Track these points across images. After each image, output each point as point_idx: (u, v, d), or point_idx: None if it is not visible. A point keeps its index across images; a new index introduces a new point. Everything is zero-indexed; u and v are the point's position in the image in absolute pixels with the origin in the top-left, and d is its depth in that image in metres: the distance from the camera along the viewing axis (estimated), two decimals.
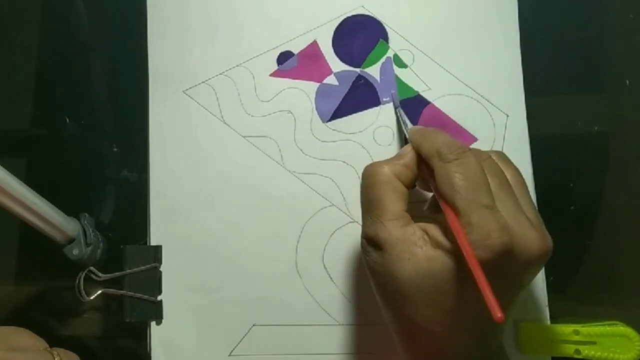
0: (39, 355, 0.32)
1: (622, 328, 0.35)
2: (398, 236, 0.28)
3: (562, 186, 0.38)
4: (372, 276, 0.30)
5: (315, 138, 0.39)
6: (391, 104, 0.39)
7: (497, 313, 0.24)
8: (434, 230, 0.28)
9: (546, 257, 0.28)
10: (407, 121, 0.37)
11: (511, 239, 0.26)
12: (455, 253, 0.26)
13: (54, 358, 0.32)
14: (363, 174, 0.31)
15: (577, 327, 0.35)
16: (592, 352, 0.35)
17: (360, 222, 0.37)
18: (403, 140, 0.38)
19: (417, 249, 0.27)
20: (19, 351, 0.31)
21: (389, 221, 0.28)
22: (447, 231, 0.27)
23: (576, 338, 0.35)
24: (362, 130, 0.39)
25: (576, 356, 0.35)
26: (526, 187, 0.30)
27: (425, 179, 0.31)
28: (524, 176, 0.31)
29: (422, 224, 0.29)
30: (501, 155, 0.31)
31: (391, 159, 0.31)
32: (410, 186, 0.31)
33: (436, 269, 0.27)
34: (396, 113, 0.38)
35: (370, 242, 0.29)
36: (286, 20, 0.40)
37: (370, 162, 0.37)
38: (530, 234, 0.27)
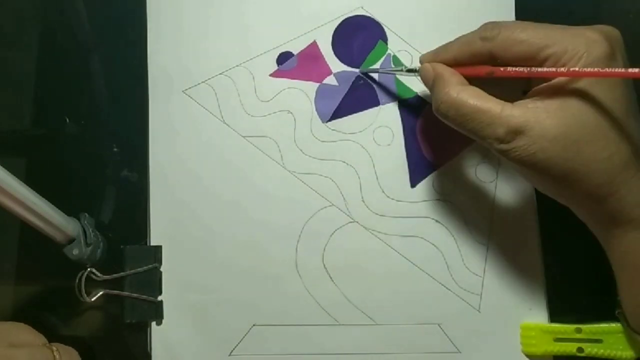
0: (38, 351, 0.32)
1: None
2: (521, 112, 0.29)
3: None
4: (538, 166, 0.29)
5: (315, 138, 0.39)
6: (391, 103, 0.39)
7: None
8: (538, 88, 0.30)
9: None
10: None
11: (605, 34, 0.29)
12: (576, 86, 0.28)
13: (53, 354, 0.32)
14: (441, 112, 0.31)
15: (580, 325, 0.35)
16: (595, 350, 0.35)
17: (360, 222, 0.38)
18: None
19: (544, 105, 0.28)
20: (18, 347, 0.31)
21: (502, 110, 0.29)
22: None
23: (578, 336, 0.35)
24: (362, 130, 0.39)
25: (579, 354, 0.35)
26: None
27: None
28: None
29: (515, 103, 0.30)
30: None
31: (437, 83, 0.32)
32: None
33: (573, 106, 0.28)
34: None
35: (508, 138, 0.29)
36: (286, 20, 0.40)
37: (370, 162, 0.38)
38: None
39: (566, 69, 0.28)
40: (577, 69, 0.28)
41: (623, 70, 0.28)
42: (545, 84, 0.30)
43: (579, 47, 0.28)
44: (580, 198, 0.30)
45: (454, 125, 0.31)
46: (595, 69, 0.28)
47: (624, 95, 0.29)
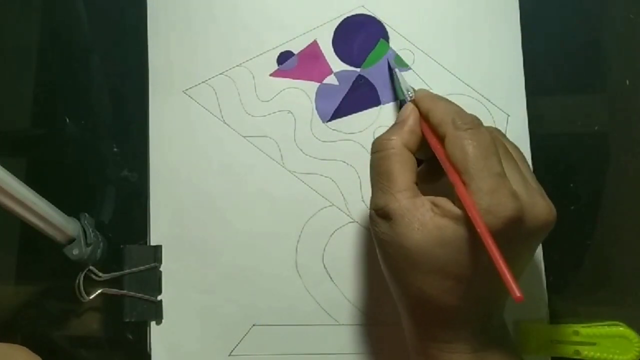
0: None
1: (621, 329, 0.35)
2: (408, 206, 0.28)
3: (562, 186, 0.38)
4: (380, 247, 0.30)
5: (316, 138, 0.39)
6: (391, 103, 0.39)
7: (517, 293, 0.24)
8: (443, 201, 0.28)
9: (552, 225, 0.29)
10: (407, 84, 0.36)
11: (521, 205, 0.27)
12: (465, 221, 0.27)
13: None
14: (373, 147, 0.31)
15: (577, 327, 0.35)
16: (592, 353, 0.35)
17: (360, 222, 0.38)
18: (398, 102, 0.38)
19: (426, 218, 0.28)
20: None
21: (399, 192, 0.29)
22: (455, 201, 0.28)
23: (576, 339, 0.35)
24: (362, 130, 0.39)
25: (576, 357, 0.35)
26: (526, 161, 0.31)
27: (425, 144, 0.31)
28: None
29: (431, 197, 0.29)
30: (499, 131, 0.33)
31: (396, 126, 0.32)
32: (417, 150, 0.31)
33: (446, 237, 0.27)
34: (392, 74, 0.38)
35: (380, 212, 0.29)
36: (286, 20, 0.40)
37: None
38: (539, 201, 0.28)
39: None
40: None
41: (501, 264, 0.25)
42: (444, 199, 0.28)
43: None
44: (402, 300, 0.30)
45: (370, 162, 0.31)
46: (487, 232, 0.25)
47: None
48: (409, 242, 0.28)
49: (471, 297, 0.28)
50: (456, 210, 0.27)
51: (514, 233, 0.27)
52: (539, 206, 0.28)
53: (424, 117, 0.31)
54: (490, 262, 0.25)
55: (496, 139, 0.29)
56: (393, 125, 0.32)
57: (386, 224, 0.29)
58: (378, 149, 0.31)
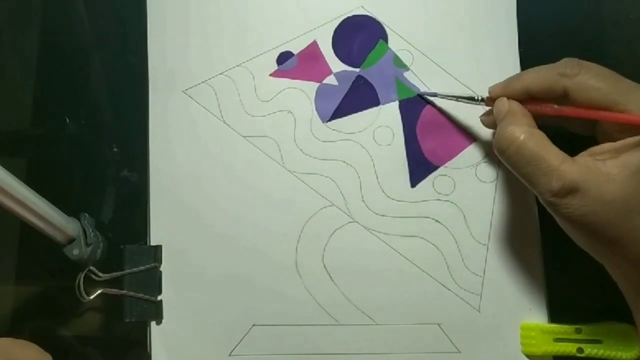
0: None
1: (625, 326, 0.34)
2: (581, 170, 0.28)
3: None
4: (583, 225, 0.29)
5: (315, 138, 0.39)
6: (391, 103, 0.39)
7: None
8: (598, 149, 0.29)
9: None
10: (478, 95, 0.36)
11: None
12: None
13: None
14: (499, 149, 0.31)
15: (580, 325, 0.35)
16: (595, 351, 0.35)
17: (360, 221, 0.38)
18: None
19: (605, 167, 0.28)
20: None
21: (563, 163, 0.28)
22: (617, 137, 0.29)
23: (578, 336, 0.35)
24: (362, 130, 0.39)
25: (579, 355, 0.35)
26: None
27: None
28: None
29: (581, 155, 0.29)
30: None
31: (506, 119, 0.32)
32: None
33: (636, 168, 0.27)
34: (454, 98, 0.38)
35: (562, 192, 0.28)
36: (286, 20, 0.40)
37: (370, 162, 0.38)
38: None
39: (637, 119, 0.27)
40: None
41: None
42: (609, 144, 0.29)
43: None
44: (622, 264, 0.29)
45: (508, 164, 0.31)
46: None
47: None
48: (610, 194, 0.27)
49: None
50: (629, 140, 0.28)
51: None
52: None
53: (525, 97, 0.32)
54: None
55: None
56: (502, 122, 0.32)
57: (575, 198, 0.28)
58: (507, 144, 0.30)
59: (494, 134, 0.35)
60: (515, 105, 0.32)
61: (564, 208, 0.28)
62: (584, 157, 0.29)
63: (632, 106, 0.28)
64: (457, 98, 0.37)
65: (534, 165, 0.29)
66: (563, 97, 0.31)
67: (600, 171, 0.28)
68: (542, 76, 0.31)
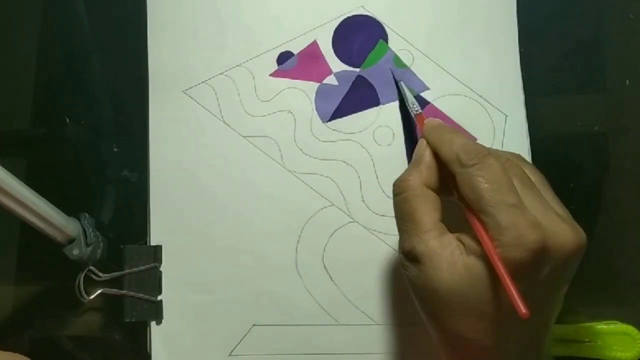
0: None
1: (623, 326, 0.35)
2: (435, 247, 0.27)
3: (562, 186, 0.38)
4: (413, 290, 0.29)
5: (315, 138, 0.39)
6: (391, 103, 0.39)
7: (522, 309, 0.23)
8: (468, 238, 0.27)
9: (582, 250, 0.27)
10: (412, 97, 0.36)
11: (544, 234, 0.25)
12: (488, 259, 0.26)
13: None
14: (393, 190, 0.30)
15: (579, 326, 0.35)
16: (595, 351, 0.35)
17: (360, 221, 0.38)
18: (405, 117, 0.38)
19: (454, 258, 0.27)
20: None
21: (425, 233, 0.28)
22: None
23: (577, 337, 0.35)
24: (362, 130, 0.39)
25: (577, 355, 0.35)
26: (548, 184, 0.30)
27: (445, 180, 0.30)
28: None
29: (457, 234, 0.28)
30: (518, 155, 0.31)
31: (412, 165, 0.31)
32: (439, 186, 0.30)
33: (475, 276, 0.26)
34: (398, 87, 0.38)
35: (408, 256, 0.29)
36: (286, 20, 0.40)
37: (370, 162, 0.38)
38: (562, 228, 0.27)
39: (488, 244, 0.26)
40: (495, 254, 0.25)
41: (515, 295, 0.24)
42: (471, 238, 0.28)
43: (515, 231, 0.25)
44: (441, 338, 0.29)
45: (393, 206, 0.30)
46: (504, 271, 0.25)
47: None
48: (440, 284, 0.27)
49: (509, 336, 0.27)
50: (479, 248, 0.26)
51: (540, 264, 0.26)
52: (564, 232, 0.26)
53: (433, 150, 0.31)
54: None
55: (510, 165, 0.28)
56: (410, 165, 0.31)
57: (415, 267, 0.28)
58: (398, 191, 0.30)
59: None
60: (428, 157, 0.30)
61: (404, 268, 0.29)
62: (448, 238, 0.28)
63: (498, 218, 0.26)
64: (403, 96, 0.37)
65: (407, 221, 0.29)
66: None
67: (445, 259, 0.27)
68: (468, 152, 0.29)
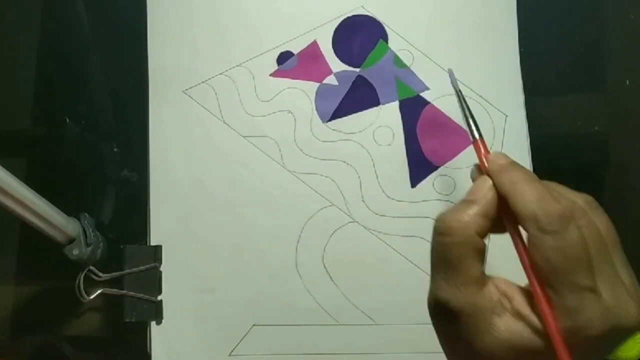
0: None
1: None
2: (475, 303, 0.24)
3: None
4: (446, 344, 0.26)
5: (315, 138, 0.39)
6: (391, 103, 0.39)
7: None
8: (515, 295, 0.25)
9: (635, 330, 0.25)
10: (476, 126, 0.30)
11: (612, 322, 0.23)
12: (540, 332, 0.24)
13: None
14: (438, 229, 0.26)
15: None
16: None
17: (360, 221, 0.38)
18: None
19: (495, 318, 0.24)
20: None
21: (464, 286, 0.25)
22: (530, 300, 0.24)
23: None
24: (362, 130, 0.39)
25: None
26: (617, 238, 0.27)
27: (502, 224, 0.26)
28: None
29: (499, 282, 0.25)
30: (590, 203, 0.27)
31: (469, 206, 0.26)
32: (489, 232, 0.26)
33: (518, 343, 0.24)
34: (458, 95, 0.31)
35: (442, 309, 0.25)
36: (286, 20, 0.40)
37: (370, 162, 0.38)
38: (629, 307, 0.24)
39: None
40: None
41: None
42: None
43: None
44: None
45: (432, 242, 0.26)
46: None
47: None
48: (478, 345, 0.24)
49: None
50: (531, 316, 0.24)
51: (601, 346, 0.24)
52: (629, 312, 0.24)
53: (501, 197, 0.26)
54: None
55: (587, 225, 0.25)
56: (465, 203, 0.26)
57: (450, 323, 0.25)
58: (445, 232, 0.25)
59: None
60: (489, 202, 0.26)
61: (436, 319, 0.26)
62: (489, 289, 0.25)
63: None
64: (465, 111, 0.30)
65: (448, 268, 0.25)
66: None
67: (485, 318, 0.24)
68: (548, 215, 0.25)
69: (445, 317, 0.25)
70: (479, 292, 0.25)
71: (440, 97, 0.39)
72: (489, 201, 0.26)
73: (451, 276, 0.25)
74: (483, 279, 0.25)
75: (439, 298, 0.25)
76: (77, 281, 0.37)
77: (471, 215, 0.25)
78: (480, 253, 0.25)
